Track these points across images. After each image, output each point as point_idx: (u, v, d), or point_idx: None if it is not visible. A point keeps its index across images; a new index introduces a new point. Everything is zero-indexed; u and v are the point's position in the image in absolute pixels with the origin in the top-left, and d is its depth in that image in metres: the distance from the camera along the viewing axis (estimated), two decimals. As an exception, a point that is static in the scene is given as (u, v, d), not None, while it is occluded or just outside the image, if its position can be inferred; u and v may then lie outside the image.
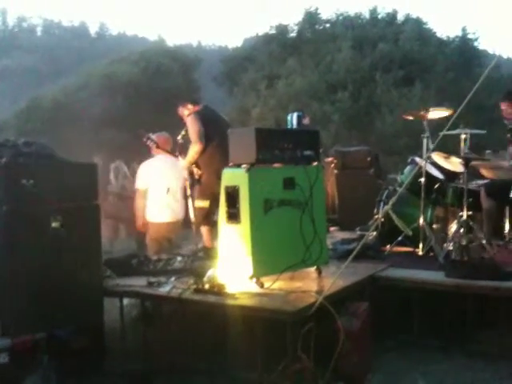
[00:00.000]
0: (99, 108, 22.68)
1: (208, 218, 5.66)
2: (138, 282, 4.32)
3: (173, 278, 4.34)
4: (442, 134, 4.31)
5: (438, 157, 5.18)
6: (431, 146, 4.91)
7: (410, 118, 5.57)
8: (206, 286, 3.95)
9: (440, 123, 5.27)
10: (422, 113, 5.17)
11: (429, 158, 5.15)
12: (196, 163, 5.78)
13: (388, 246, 5.18)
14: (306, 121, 7.79)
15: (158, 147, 6.17)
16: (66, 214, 3.75)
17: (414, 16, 23.11)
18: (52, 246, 3.69)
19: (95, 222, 4.04)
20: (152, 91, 23.26)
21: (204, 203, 5.64)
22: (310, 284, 4.10)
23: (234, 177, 4.12)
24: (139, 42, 54.05)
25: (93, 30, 70.90)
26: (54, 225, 3.68)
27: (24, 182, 3.53)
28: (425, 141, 5.10)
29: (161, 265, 4.91)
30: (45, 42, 56.93)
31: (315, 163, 4.32)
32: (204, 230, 5.77)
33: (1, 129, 23.53)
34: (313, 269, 4.36)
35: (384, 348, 4.12)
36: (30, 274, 3.58)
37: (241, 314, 3.70)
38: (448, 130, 4.25)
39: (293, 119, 4.46)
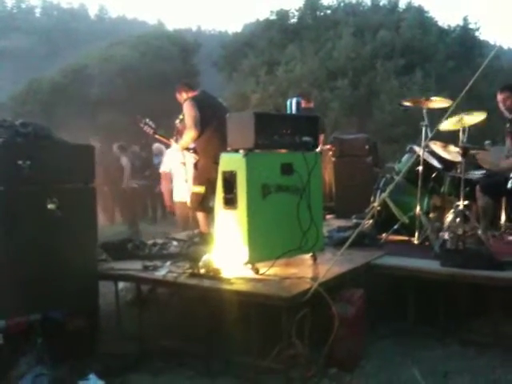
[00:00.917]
0: (97, 91, 22.60)
1: (203, 203, 5.65)
2: (134, 266, 4.32)
3: (168, 263, 4.35)
4: (441, 121, 4.31)
5: (436, 146, 5.17)
6: (430, 135, 4.90)
7: (409, 104, 5.54)
8: (202, 271, 3.96)
9: (439, 112, 5.26)
10: (422, 100, 5.16)
11: (427, 146, 5.13)
12: (194, 149, 5.78)
13: (384, 235, 5.18)
14: (310, 104, 7.73)
15: (154, 133, 6.16)
16: (63, 195, 3.74)
17: (416, 4, 22.96)
18: (48, 228, 3.68)
19: (91, 204, 4.02)
20: (151, 75, 23.14)
21: (200, 188, 5.63)
22: (306, 270, 4.10)
23: (231, 162, 4.10)
24: (139, 25, 53.74)
25: (92, 12, 70.57)
26: (49, 206, 3.66)
27: (20, 162, 3.51)
28: (423, 129, 5.09)
29: (156, 249, 4.91)
30: (43, 24, 56.54)
31: (314, 150, 4.30)
32: (200, 215, 5.76)
33: (-3, 111, 23.41)
34: (308, 255, 4.37)
35: (378, 335, 4.15)
36: (25, 255, 3.58)
37: (236, 298, 3.71)
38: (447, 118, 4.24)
39: (292, 105, 4.42)
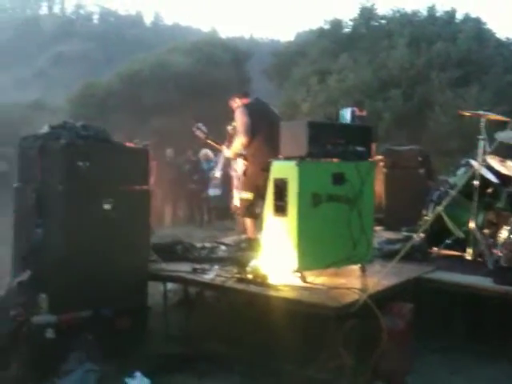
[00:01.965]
0: (151, 96, 23.01)
1: (251, 209, 5.68)
2: (183, 268, 4.39)
3: (216, 266, 4.39)
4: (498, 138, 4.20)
5: (493, 160, 5.03)
6: (487, 149, 4.78)
7: (467, 114, 5.46)
8: (250, 276, 3.98)
9: (496, 125, 5.14)
10: (480, 112, 5.05)
11: (484, 160, 5.01)
12: (243, 155, 5.81)
13: (435, 249, 5.08)
14: (363, 113, 7.65)
15: (206, 138, 6.22)
16: (118, 196, 3.85)
17: (474, 15, 22.43)
18: (103, 228, 3.80)
19: (145, 206, 4.12)
20: (203, 81, 23.42)
21: (248, 195, 5.66)
22: (354, 281, 4.06)
23: (283, 169, 4.11)
24: (193, 32, 54.46)
25: (148, 19, 72.06)
26: (105, 207, 3.78)
27: (80, 163, 3.64)
28: (481, 143, 4.96)
29: (205, 252, 4.97)
30: (101, 30, 58.11)
31: (367, 160, 4.27)
32: (247, 221, 5.80)
33: (55, 113, 24.17)
34: (356, 266, 4.32)
35: (427, 351, 4.06)
36: (79, 253, 3.70)
37: (283, 306, 3.70)
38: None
39: (346, 114, 4.41)
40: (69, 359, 3.47)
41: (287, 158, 4.13)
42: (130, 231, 3.95)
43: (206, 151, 12.34)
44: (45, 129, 3.96)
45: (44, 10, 70.11)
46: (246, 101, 5.84)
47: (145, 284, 4.20)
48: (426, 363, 3.93)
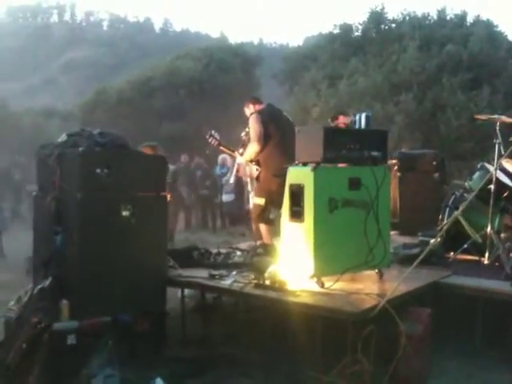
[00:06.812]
0: (162, 102, 23.17)
1: (263, 215, 5.69)
2: (200, 274, 4.41)
3: (234, 272, 4.40)
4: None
5: (508, 164, 5.02)
6: (503, 152, 4.77)
7: (483, 117, 5.45)
8: (267, 282, 3.99)
9: (510, 129, 5.13)
10: (495, 116, 5.05)
11: (499, 164, 4.99)
12: (256, 161, 5.83)
13: (452, 253, 5.06)
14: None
15: (219, 145, 6.25)
16: (136, 203, 3.89)
17: (484, 18, 22.29)
18: (121, 233, 3.83)
19: (162, 212, 4.15)
20: (213, 87, 23.57)
21: (260, 200, 5.67)
22: (372, 286, 4.06)
23: (299, 175, 4.12)
24: (202, 38, 54.75)
25: (157, 25, 72.60)
26: (124, 213, 3.82)
27: (98, 170, 3.68)
28: (496, 146, 4.95)
29: (221, 258, 4.99)
30: (110, 37, 58.54)
31: (383, 164, 4.27)
32: (262, 226, 5.81)
33: (66, 120, 24.38)
34: (373, 271, 4.32)
35: (444, 356, 4.04)
36: (99, 258, 3.74)
37: (301, 311, 3.71)
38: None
39: (361, 119, 4.41)
40: (90, 364, 3.50)
41: (303, 164, 4.14)
42: (149, 237, 3.98)
43: (224, 156, 12.32)
44: (62, 137, 4.01)
45: (54, 18, 70.88)
46: (259, 107, 5.86)
47: (163, 289, 4.23)
48: (445, 368, 3.91)
